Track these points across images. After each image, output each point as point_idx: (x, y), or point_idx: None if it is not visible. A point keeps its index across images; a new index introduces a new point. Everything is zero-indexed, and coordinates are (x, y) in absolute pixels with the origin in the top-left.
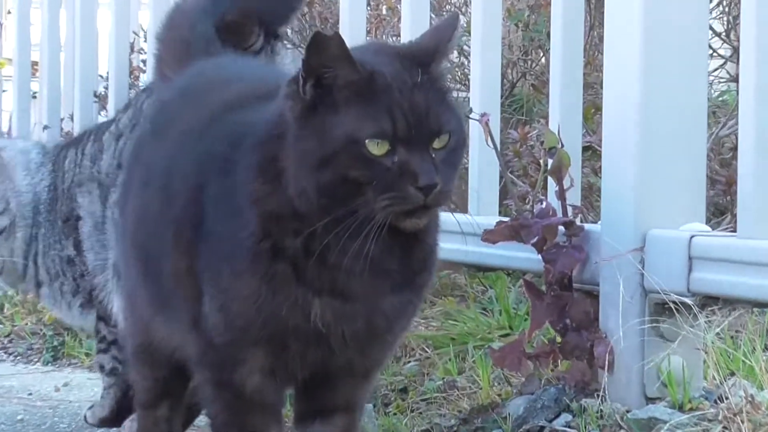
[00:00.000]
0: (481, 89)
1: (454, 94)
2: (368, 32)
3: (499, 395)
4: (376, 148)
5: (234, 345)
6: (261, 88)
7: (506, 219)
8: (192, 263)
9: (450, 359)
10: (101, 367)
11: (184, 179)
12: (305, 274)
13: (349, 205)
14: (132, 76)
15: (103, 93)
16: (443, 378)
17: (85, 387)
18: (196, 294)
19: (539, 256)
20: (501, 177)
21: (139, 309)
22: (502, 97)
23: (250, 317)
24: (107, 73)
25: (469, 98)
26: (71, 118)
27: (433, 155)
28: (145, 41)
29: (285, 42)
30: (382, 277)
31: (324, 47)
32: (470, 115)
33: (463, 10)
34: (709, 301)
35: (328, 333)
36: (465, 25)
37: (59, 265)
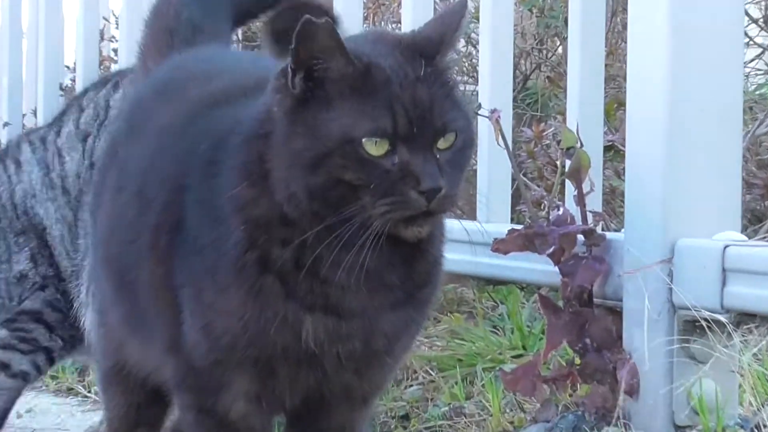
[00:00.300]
0: (491, 82)
1: (462, 87)
2: (365, 19)
3: (512, 423)
4: (375, 147)
5: (217, 367)
6: (247, 82)
7: (519, 227)
8: (170, 276)
9: (456, 383)
10: (3, 366)
11: (162, 183)
12: (295, 289)
13: (343, 210)
14: (102, 67)
15: (69, 85)
16: (449, 404)
17: (50, 413)
18: (175, 311)
19: (556, 269)
20: (513, 180)
21: (111, 327)
22: (514, 90)
23: (234, 336)
24: (74, 63)
25: (477, 92)
26: (34, 113)
27: (438, 156)
28: (117, 28)
29: None
30: (381, 291)
31: (313, 36)
32: (479, 112)
33: None
34: (745, 318)
35: (320, 354)
36: (473, 11)
37: (4, 290)
